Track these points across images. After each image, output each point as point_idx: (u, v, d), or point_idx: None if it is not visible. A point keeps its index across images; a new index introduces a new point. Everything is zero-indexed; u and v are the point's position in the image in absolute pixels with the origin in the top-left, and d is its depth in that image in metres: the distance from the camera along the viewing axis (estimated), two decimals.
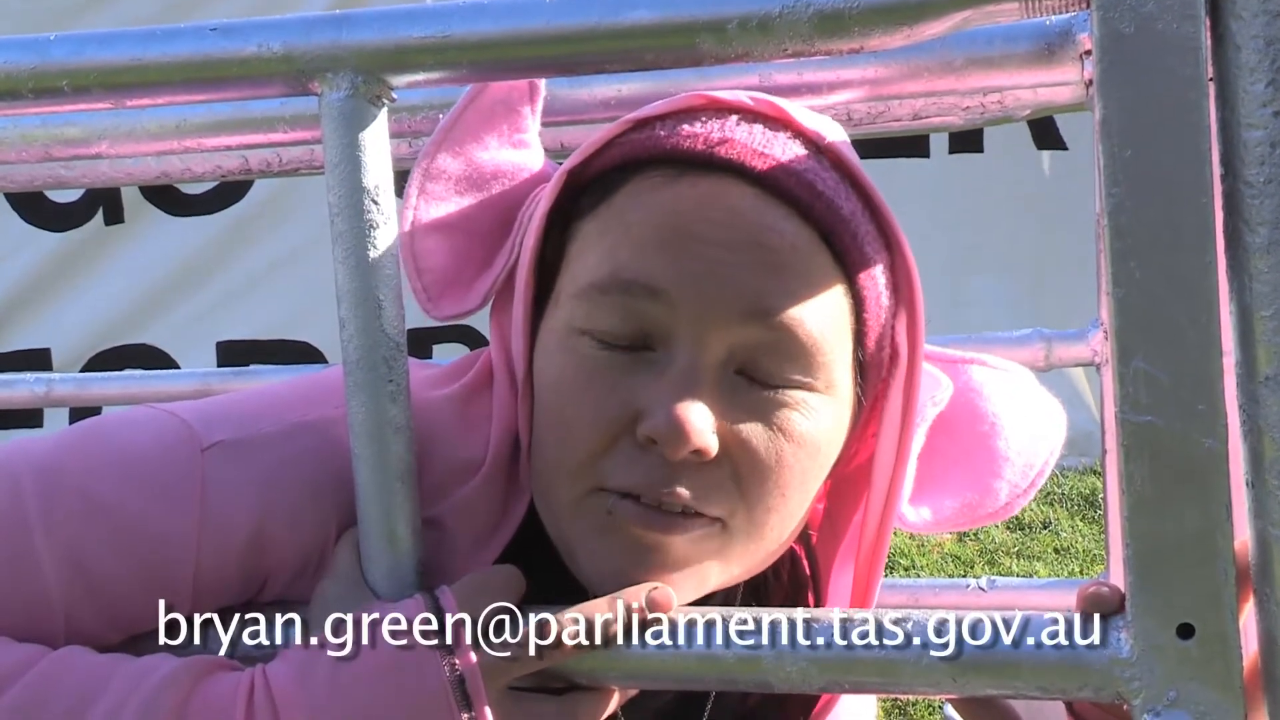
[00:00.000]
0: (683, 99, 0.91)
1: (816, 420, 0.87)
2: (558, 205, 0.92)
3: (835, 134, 0.92)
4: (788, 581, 1.05)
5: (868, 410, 0.94)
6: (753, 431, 0.85)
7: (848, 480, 1.00)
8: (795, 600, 1.04)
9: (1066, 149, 4.30)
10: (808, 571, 1.05)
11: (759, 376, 0.85)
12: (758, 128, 0.89)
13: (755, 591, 1.02)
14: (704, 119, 0.89)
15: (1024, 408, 1.00)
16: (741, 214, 0.85)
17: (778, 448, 0.85)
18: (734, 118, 0.90)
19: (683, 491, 0.83)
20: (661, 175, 0.87)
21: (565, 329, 0.88)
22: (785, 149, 0.88)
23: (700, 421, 0.82)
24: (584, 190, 0.91)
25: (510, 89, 0.99)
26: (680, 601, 0.84)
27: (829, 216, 0.87)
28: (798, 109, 0.92)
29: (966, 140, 4.30)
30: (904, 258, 0.91)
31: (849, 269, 0.88)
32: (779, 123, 0.90)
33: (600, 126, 1.22)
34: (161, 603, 0.85)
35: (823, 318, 0.86)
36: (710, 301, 0.84)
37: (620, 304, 0.85)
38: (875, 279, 0.90)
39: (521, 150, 1.00)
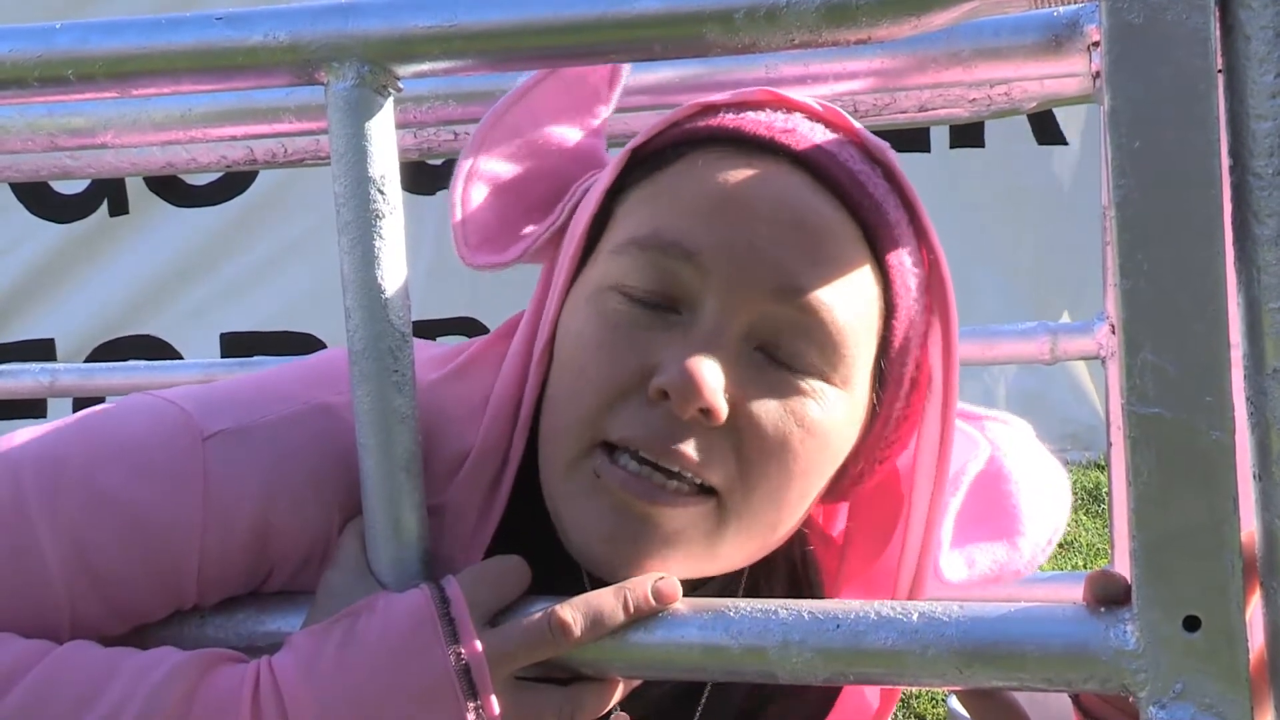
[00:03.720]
0: (750, 91, 0.93)
1: (829, 411, 0.87)
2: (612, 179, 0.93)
3: (889, 151, 0.93)
4: (784, 592, 1.04)
5: (880, 425, 0.94)
6: (764, 408, 0.85)
7: (866, 507, 1.00)
8: None
9: (1067, 144, 4.31)
10: (808, 580, 1.05)
11: (779, 357, 0.86)
12: (819, 127, 0.91)
13: (749, 595, 1.02)
14: (769, 110, 0.92)
15: (1036, 464, 1.02)
16: (791, 196, 0.87)
17: (787, 429, 0.85)
18: (799, 114, 0.92)
19: (686, 449, 0.83)
20: (719, 152, 0.89)
21: (596, 285, 0.89)
22: (843, 150, 0.90)
23: (713, 380, 0.82)
24: (637, 165, 0.92)
25: (594, 68, 1.00)
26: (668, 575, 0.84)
27: (875, 217, 0.88)
28: (857, 122, 0.93)
29: (967, 135, 4.31)
30: (941, 278, 0.93)
31: (886, 271, 0.89)
32: (840, 128, 0.92)
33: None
34: (167, 593, 0.86)
35: (852, 311, 0.87)
36: (743, 272, 0.84)
37: (655, 262, 0.86)
38: (910, 289, 0.91)
39: (587, 134, 1.00)
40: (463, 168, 0.96)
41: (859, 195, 0.88)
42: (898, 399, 0.94)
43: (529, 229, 0.97)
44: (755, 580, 1.01)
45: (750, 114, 0.91)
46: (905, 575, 0.96)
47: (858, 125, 0.93)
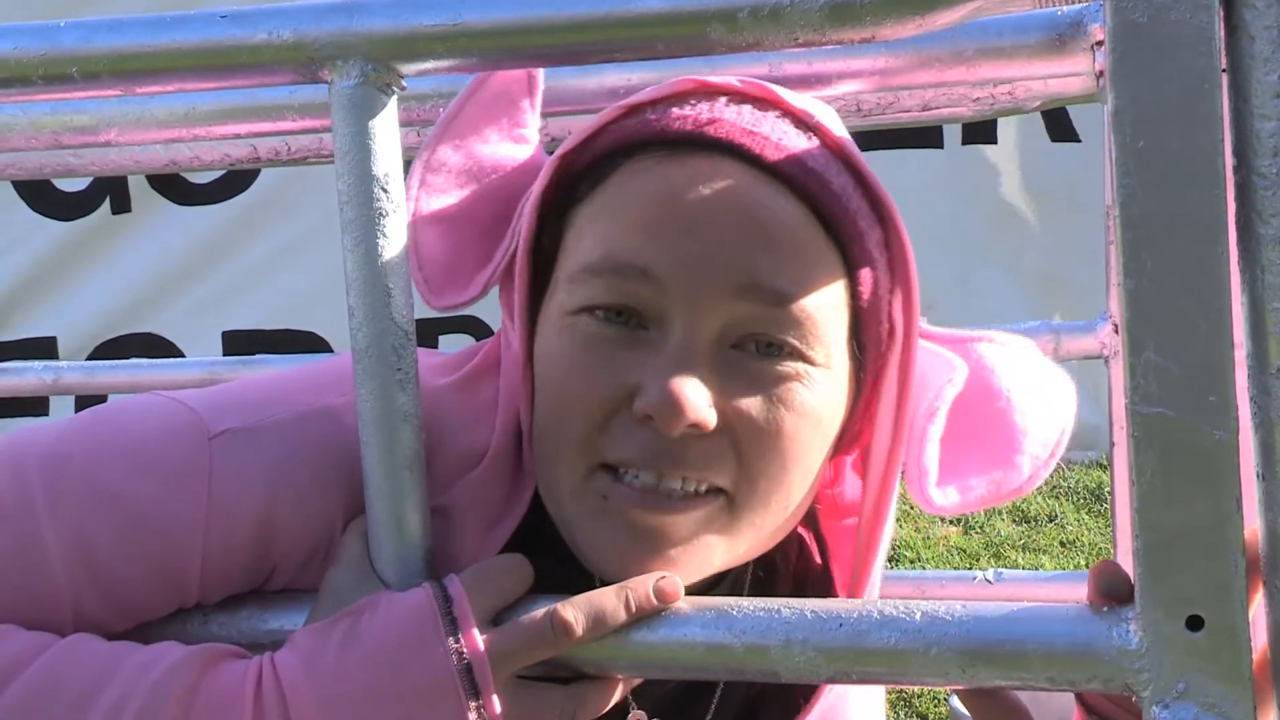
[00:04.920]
0: (672, 84, 0.92)
1: (815, 391, 0.87)
2: (555, 193, 0.92)
3: (824, 113, 0.92)
4: (795, 568, 1.05)
5: (869, 385, 0.94)
6: (751, 403, 0.85)
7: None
8: (803, 586, 1.04)
9: (1080, 141, 4.30)
10: (818, 560, 1.05)
11: (755, 351, 0.86)
12: (746, 108, 0.90)
13: (762, 578, 1.02)
14: (693, 102, 0.90)
15: (1035, 379, 0.99)
16: (731, 191, 0.86)
17: (777, 417, 0.85)
18: (723, 99, 0.90)
19: (684, 462, 0.84)
20: (653, 158, 0.88)
21: (561, 312, 0.88)
22: (774, 128, 0.89)
23: (695, 396, 0.82)
24: (579, 177, 0.92)
25: (510, 81, 1.00)
26: (686, 581, 0.84)
27: (819, 191, 0.87)
28: (787, 91, 0.92)
29: (980, 132, 4.30)
30: (898, 234, 0.92)
31: (842, 243, 0.89)
32: (767, 103, 0.91)
33: None
34: (170, 590, 0.86)
35: (816, 290, 0.86)
36: (701, 280, 0.84)
37: (613, 286, 0.86)
38: (869, 253, 0.90)
39: (520, 145, 1.01)
40: (406, 213, 0.95)
41: (799, 173, 0.87)
42: (878, 356, 0.94)
43: (488, 256, 0.97)
44: (770, 562, 1.01)
45: (674, 110, 0.90)
46: (866, 513, 0.94)
47: (784, 95, 0.91)
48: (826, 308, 0.87)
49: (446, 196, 0.97)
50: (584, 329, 0.87)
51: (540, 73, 1.02)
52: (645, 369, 0.84)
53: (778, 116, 0.90)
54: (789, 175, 0.87)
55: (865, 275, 0.90)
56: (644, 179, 0.87)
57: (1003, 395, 0.97)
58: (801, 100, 0.92)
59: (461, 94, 0.99)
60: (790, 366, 0.86)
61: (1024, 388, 0.98)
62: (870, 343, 0.92)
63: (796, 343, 0.86)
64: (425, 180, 0.97)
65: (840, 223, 0.88)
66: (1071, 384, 1.01)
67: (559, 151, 0.92)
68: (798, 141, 0.88)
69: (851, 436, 0.96)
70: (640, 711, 0.94)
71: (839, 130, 0.91)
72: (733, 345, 0.86)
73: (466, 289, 0.97)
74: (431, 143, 0.98)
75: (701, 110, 0.89)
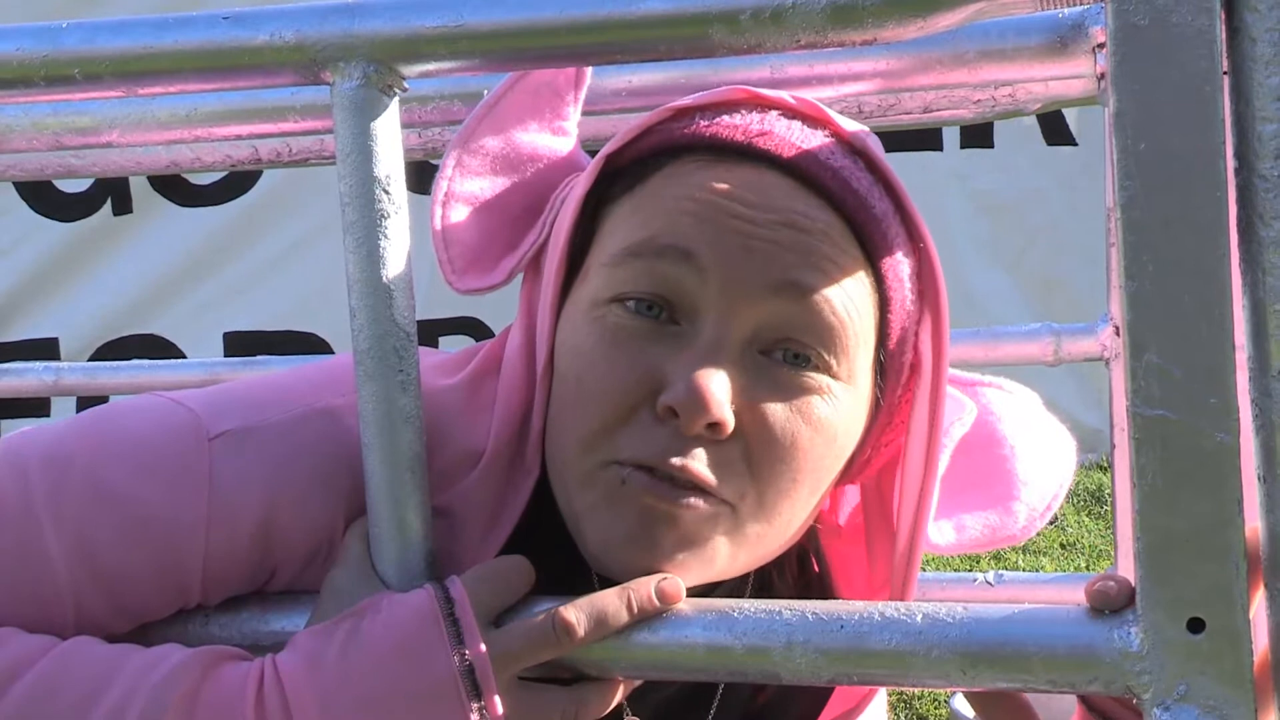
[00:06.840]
0: (724, 92, 0.92)
1: (836, 407, 0.87)
2: (592, 188, 0.92)
3: (871, 140, 0.93)
4: (794, 585, 1.05)
5: (885, 415, 0.94)
6: (771, 410, 0.85)
7: (874, 491, 1.00)
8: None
9: (1076, 144, 4.32)
10: (816, 571, 1.05)
11: (783, 357, 0.86)
12: (796, 124, 0.90)
13: (760, 591, 1.02)
14: (744, 111, 0.91)
15: (1037, 432, 1.01)
16: (777, 198, 0.86)
17: (794, 429, 0.85)
18: (774, 113, 0.91)
19: (696, 466, 0.83)
20: (697, 162, 0.88)
21: (592, 300, 0.88)
22: (823, 146, 0.89)
23: (720, 392, 0.82)
24: (618, 175, 0.92)
25: (556, 73, 1.00)
26: (686, 581, 0.84)
27: (861, 212, 0.88)
28: (836, 114, 0.93)
29: (978, 134, 4.32)
30: (931, 265, 0.92)
31: (877, 266, 0.89)
32: (818, 122, 0.91)
33: (610, 118, 1.24)
34: (171, 591, 0.86)
35: (850, 303, 0.86)
36: (741, 271, 0.84)
37: (652, 268, 0.86)
38: (902, 280, 0.91)
39: (560, 137, 1.00)
40: (439, 192, 0.95)
41: (843, 192, 0.87)
42: (898, 387, 0.94)
43: (515, 245, 0.97)
44: (766, 578, 1.01)
45: (725, 117, 0.90)
46: (899, 553, 0.95)
47: (835, 116, 0.92)
48: (858, 322, 0.87)
49: (481, 180, 0.97)
50: (613, 320, 0.86)
51: (588, 69, 1.02)
52: (672, 364, 0.84)
53: (826, 136, 0.90)
54: (833, 193, 0.87)
55: (896, 301, 0.90)
56: (689, 180, 0.88)
57: (1006, 443, 0.99)
58: (850, 124, 0.92)
59: (507, 79, 0.98)
60: (815, 379, 0.86)
61: (1027, 439, 1.00)
62: (892, 370, 0.92)
63: (825, 354, 0.86)
64: (461, 161, 0.96)
65: (878, 245, 0.89)
66: (1073, 441, 1.03)
67: (605, 150, 0.92)
68: (844, 162, 0.89)
69: (860, 465, 0.96)
70: (635, 718, 0.94)
71: (883, 157, 0.91)
72: (762, 350, 0.86)
73: (490, 274, 0.96)
74: (472, 124, 0.97)
75: (753, 121, 0.89)
